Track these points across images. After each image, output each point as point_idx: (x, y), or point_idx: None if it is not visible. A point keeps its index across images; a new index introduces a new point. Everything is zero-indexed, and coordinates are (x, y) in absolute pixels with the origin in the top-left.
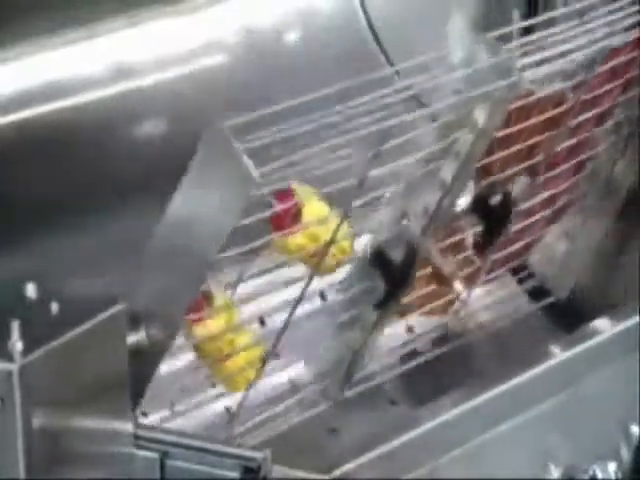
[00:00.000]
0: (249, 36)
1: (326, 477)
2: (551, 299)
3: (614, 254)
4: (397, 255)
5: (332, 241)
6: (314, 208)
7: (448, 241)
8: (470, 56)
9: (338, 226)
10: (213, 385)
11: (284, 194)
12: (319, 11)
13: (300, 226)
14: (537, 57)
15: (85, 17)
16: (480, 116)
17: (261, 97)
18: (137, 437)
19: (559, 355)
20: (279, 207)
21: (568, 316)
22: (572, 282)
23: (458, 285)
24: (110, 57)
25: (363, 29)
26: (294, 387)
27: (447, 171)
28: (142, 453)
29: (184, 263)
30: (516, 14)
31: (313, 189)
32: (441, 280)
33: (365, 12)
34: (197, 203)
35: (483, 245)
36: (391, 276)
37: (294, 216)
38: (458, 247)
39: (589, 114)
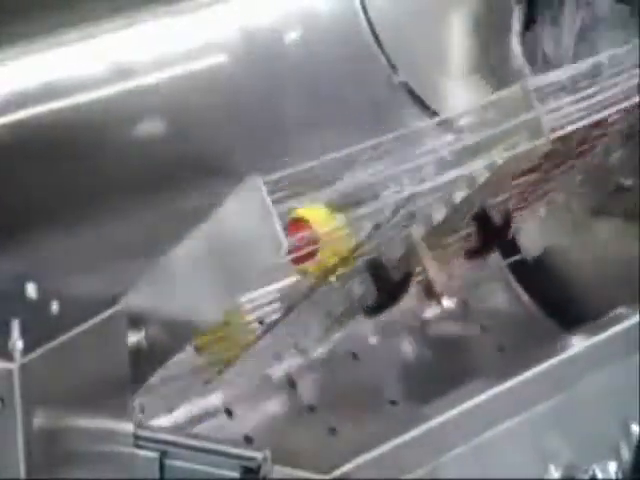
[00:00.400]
0: (249, 36)
1: (326, 477)
2: (519, 256)
3: (616, 256)
4: (393, 268)
5: (343, 263)
6: (331, 230)
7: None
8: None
9: (352, 254)
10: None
11: (298, 226)
12: (319, 11)
13: (316, 261)
14: (562, 114)
15: (85, 17)
16: (501, 159)
17: (261, 97)
18: (137, 437)
19: (559, 355)
20: (297, 254)
21: (568, 316)
22: (543, 245)
23: (446, 301)
24: (109, 57)
25: (363, 30)
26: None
27: (458, 194)
28: (142, 453)
29: (203, 297)
30: (517, 16)
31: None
32: (430, 293)
33: (365, 13)
34: (222, 249)
35: (477, 253)
36: (385, 288)
37: (311, 254)
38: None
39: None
